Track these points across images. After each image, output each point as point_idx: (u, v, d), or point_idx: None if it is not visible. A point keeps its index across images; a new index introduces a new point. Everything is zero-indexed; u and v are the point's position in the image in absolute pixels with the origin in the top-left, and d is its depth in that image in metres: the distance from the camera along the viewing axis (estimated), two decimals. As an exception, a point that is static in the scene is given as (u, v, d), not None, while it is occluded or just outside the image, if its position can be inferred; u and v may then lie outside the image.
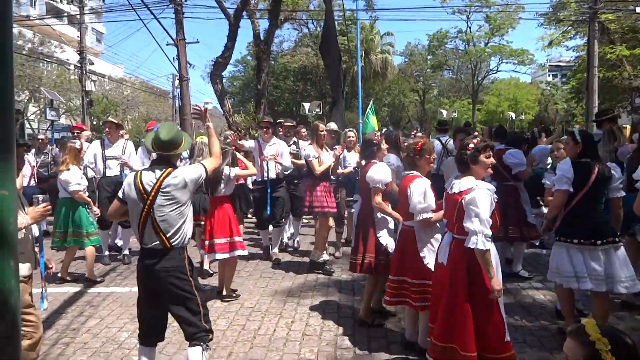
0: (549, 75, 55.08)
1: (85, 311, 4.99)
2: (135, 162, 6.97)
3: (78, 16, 22.43)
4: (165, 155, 3.14)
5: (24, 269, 3.02)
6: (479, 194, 2.99)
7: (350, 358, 3.87)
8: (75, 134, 8.05)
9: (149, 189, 2.98)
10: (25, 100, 25.66)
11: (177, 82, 21.53)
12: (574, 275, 3.81)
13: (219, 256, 5.13)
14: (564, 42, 25.21)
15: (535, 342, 4.07)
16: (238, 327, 4.50)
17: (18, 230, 3.04)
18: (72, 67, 25.22)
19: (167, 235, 2.98)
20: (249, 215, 9.28)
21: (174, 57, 17.13)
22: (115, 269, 6.65)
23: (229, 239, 5.12)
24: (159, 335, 3.23)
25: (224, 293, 5.23)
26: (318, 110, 19.32)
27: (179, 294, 3.01)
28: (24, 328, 3.01)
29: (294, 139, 7.69)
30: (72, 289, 5.70)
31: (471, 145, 3.17)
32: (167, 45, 18.19)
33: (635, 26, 20.16)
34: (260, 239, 7.45)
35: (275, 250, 6.96)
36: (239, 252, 5.19)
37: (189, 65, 17.11)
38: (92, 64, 23.06)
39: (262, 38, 17.12)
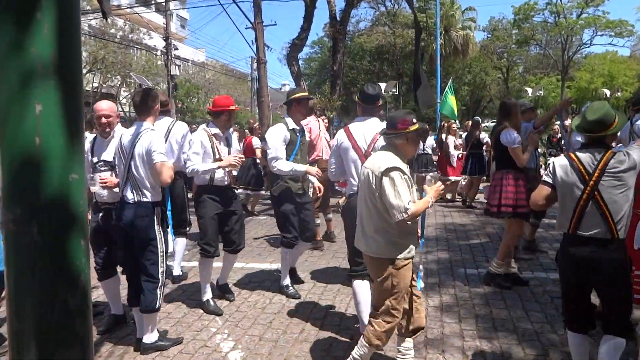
0: (651, 48, 50.04)
1: (169, 283, 5.32)
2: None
3: (164, 3, 23.52)
4: (594, 137, 2.92)
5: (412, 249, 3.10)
6: None
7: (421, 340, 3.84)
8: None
9: (590, 170, 2.82)
10: (118, 85, 27.43)
11: (255, 64, 22.03)
12: None
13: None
14: (670, 10, 22.77)
15: None
16: (311, 305, 4.60)
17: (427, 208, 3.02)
18: (159, 52, 26.55)
19: (615, 221, 2.79)
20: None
21: (252, 40, 17.49)
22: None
23: None
24: (587, 324, 3.03)
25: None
26: (394, 90, 18.95)
27: (615, 287, 2.87)
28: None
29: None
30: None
31: None
32: (246, 28, 18.69)
33: None
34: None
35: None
36: None
37: (266, 48, 17.40)
38: (176, 49, 24.14)
39: (338, 18, 16.99)
